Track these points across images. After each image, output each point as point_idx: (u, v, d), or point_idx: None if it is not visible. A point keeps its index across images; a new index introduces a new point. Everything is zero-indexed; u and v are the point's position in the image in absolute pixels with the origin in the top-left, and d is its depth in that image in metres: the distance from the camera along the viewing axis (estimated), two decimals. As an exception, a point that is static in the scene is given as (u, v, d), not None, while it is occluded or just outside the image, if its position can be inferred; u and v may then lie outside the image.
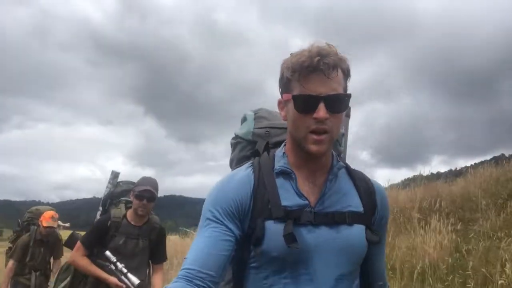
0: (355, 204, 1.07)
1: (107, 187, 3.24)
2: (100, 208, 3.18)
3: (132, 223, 2.91)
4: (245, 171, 1.09)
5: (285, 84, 1.05)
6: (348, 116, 1.85)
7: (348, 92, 1.04)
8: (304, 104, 0.99)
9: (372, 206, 1.10)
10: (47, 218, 4.45)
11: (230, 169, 1.34)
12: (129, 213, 2.93)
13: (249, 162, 1.14)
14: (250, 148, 1.31)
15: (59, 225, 4.68)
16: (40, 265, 4.63)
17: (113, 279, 2.73)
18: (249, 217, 1.02)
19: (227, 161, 1.42)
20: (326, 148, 1.02)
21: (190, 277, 0.94)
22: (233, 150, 1.39)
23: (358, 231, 1.04)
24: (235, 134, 1.38)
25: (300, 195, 1.04)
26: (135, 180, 3.05)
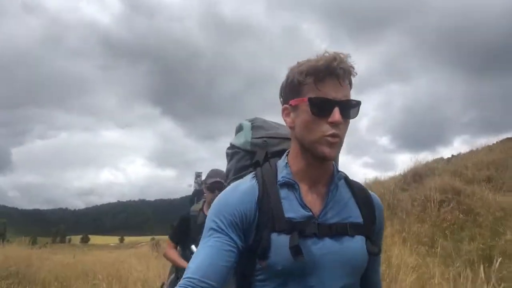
0: (355, 215, 1.08)
1: (194, 187, 3.62)
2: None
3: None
4: (249, 182, 1.09)
5: (294, 89, 1.04)
6: None
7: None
8: (321, 107, 0.99)
9: (371, 217, 1.10)
10: None
11: (227, 180, 1.35)
12: (205, 206, 3.15)
13: (252, 173, 1.12)
14: (248, 158, 1.28)
15: None
16: None
17: None
18: (254, 230, 1.02)
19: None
20: (336, 152, 1.03)
21: (192, 286, 0.94)
22: (229, 160, 1.35)
23: (359, 242, 1.04)
24: (231, 144, 1.36)
25: (304, 206, 1.04)
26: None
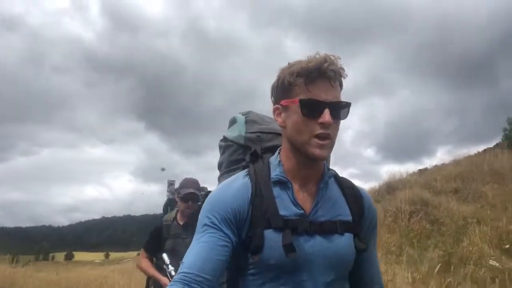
0: (344, 212, 1.10)
1: (166, 196, 3.48)
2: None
3: (181, 223, 3.05)
4: (243, 179, 1.10)
5: (284, 90, 1.05)
6: None
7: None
8: (311, 109, 1.00)
9: (359, 213, 1.12)
10: None
11: (219, 172, 1.36)
12: (179, 215, 3.10)
13: (245, 170, 1.14)
14: (240, 152, 1.29)
15: None
16: None
17: (164, 281, 2.84)
18: (247, 226, 1.03)
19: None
20: (327, 153, 1.05)
21: (188, 280, 0.95)
22: (222, 153, 1.35)
23: (348, 239, 1.07)
24: (224, 136, 1.35)
25: (296, 204, 1.06)
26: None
